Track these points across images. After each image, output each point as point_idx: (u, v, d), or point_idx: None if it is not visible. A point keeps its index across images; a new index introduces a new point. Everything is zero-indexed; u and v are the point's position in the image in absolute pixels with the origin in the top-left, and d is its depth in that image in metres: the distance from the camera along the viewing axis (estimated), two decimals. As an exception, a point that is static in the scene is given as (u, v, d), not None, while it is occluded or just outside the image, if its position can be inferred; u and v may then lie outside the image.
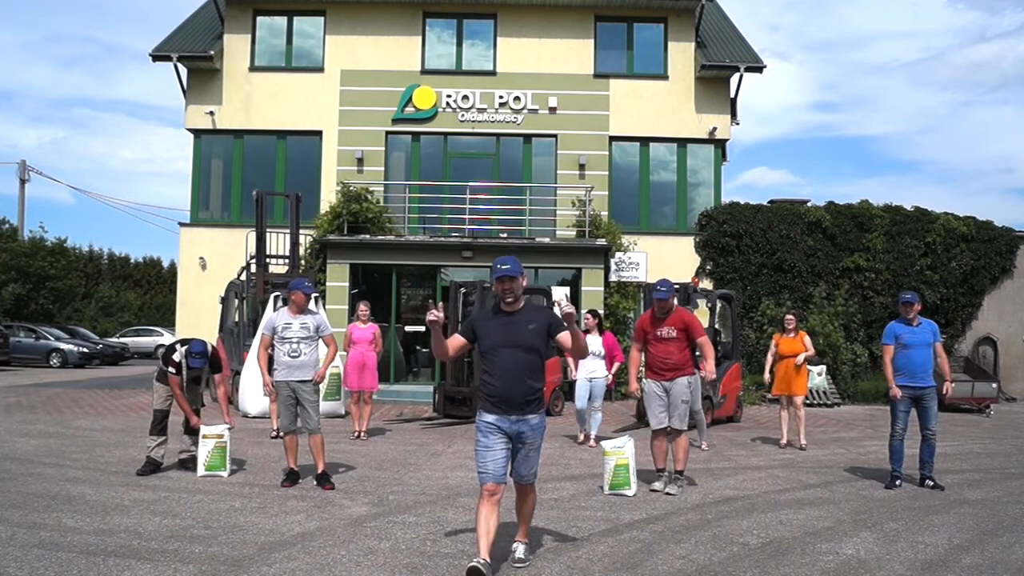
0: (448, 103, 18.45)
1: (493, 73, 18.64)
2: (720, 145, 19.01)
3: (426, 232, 17.81)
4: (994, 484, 7.78)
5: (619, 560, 5.05)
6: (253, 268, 14.48)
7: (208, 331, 13.94)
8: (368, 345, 10.24)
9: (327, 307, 14.44)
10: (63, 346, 25.15)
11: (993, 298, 18.39)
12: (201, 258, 18.28)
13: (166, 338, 28.74)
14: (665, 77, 18.75)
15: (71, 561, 4.84)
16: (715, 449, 9.76)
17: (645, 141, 18.77)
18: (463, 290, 12.96)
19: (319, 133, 18.61)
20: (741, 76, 18.36)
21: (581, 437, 10.07)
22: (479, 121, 18.47)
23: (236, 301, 14.89)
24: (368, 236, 16.40)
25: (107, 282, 42.81)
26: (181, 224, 18.82)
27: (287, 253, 14.89)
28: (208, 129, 18.68)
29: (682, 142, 18.80)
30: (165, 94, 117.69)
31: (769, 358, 10.30)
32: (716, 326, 12.91)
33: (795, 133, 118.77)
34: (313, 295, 7.92)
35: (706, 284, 17.37)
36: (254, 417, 11.99)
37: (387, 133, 18.55)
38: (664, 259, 16.96)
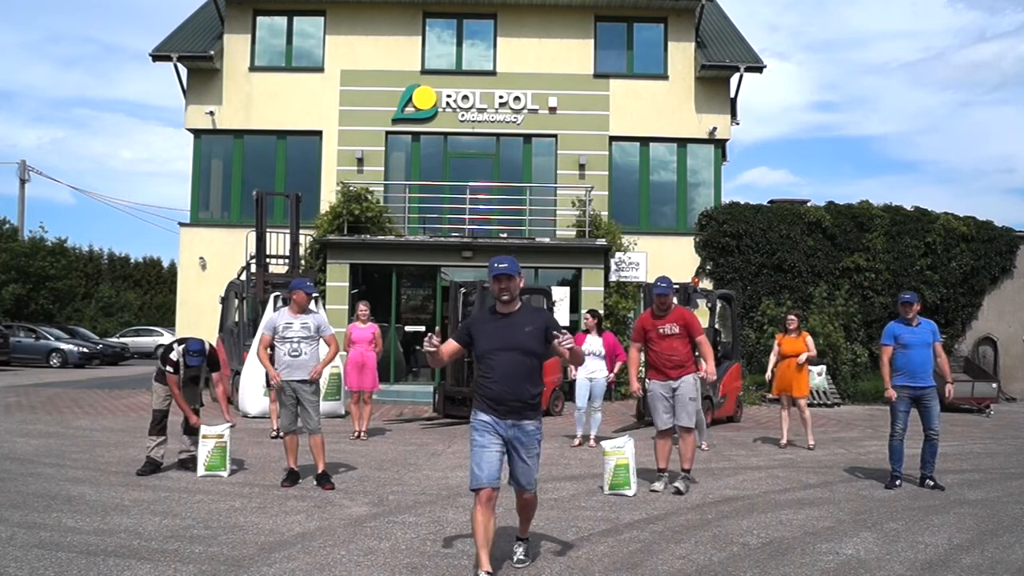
0: (448, 103, 18.45)
1: (493, 73, 18.64)
2: (720, 145, 19.02)
3: (426, 232, 17.81)
4: (994, 484, 7.78)
5: (619, 560, 5.05)
6: (253, 268, 14.48)
7: (208, 331, 13.93)
8: (368, 345, 10.24)
9: (327, 307, 14.45)
10: (63, 346, 25.17)
11: (993, 298, 18.40)
12: (201, 258, 18.28)
13: (166, 338, 28.66)
14: (665, 77, 18.76)
15: (71, 561, 4.84)
16: (715, 449, 9.75)
17: (645, 141, 18.77)
18: (463, 290, 12.97)
19: (319, 133, 18.61)
20: (741, 76, 18.36)
21: (577, 440, 9.91)
22: (479, 121, 18.47)
23: (236, 301, 14.90)
24: (368, 236, 16.41)
25: (107, 282, 42.80)
26: (181, 224, 18.82)
27: (287, 253, 14.89)
28: (208, 129, 18.68)
29: (682, 142, 18.81)
30: (165, 94, 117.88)
31: (772, 358, 10.29)
32: (716, 326, 12.91)
33: (795, 133, 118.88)
34: (313, 295, 7.93)
35: (706, 284, 17.37)
36: (254, 417, 11.99)
37: (387, 133, 18.55)
38: (664, 259, 16.94)
